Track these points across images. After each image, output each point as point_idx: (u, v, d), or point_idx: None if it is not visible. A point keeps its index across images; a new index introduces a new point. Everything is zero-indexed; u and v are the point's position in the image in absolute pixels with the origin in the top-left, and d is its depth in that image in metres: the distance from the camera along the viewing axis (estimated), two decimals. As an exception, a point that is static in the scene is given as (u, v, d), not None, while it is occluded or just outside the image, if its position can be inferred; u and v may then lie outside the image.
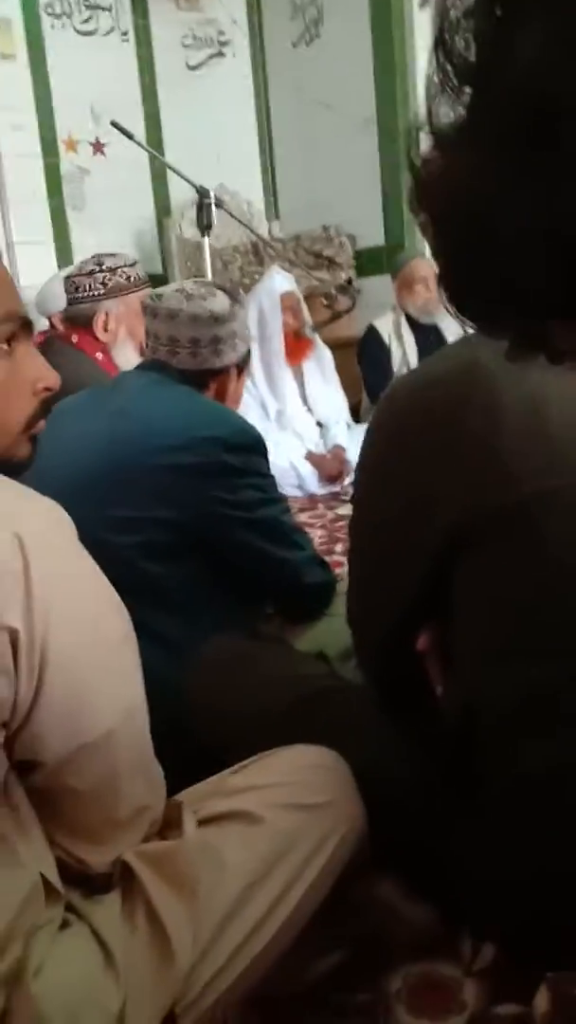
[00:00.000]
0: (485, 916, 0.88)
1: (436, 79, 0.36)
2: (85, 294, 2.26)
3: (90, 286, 2.26)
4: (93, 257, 2.33)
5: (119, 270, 2.26)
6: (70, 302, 2.31)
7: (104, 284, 2.25)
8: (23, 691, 0.66)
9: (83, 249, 4.53)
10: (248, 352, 1.47)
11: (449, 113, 0.37)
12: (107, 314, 2.26)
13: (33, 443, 0.85)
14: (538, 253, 0.37)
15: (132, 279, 2.28)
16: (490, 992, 0.88)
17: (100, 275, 2.25)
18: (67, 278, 2.32)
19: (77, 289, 2.27)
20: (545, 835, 0.80)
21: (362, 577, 0.98)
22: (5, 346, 0.79)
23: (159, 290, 1.44)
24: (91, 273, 2.26)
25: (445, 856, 0.87)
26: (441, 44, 0.36)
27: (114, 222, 4.88)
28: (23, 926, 0.69)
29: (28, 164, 3.97)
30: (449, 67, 0.36)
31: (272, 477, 1.42)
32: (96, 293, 2.26)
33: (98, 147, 4.79)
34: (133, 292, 2.24)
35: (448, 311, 0.46)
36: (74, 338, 2.29)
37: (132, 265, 2.31)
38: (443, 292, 0.45)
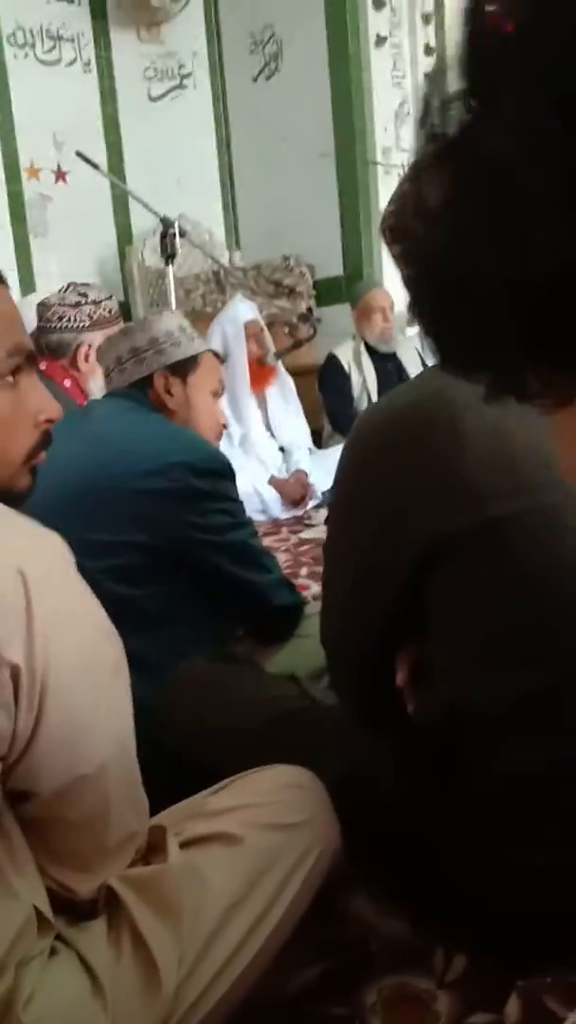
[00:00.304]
0: (463, 921, 0.91)
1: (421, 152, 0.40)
2: (69, 324, 2.29)
3: (75, 317, 2.28)
4: (71, 287, 2.35)
5: (103, 303, 2.30)
6: (46, 330, 2.32)
7: (90, 316, 2.28)
8: (22, 725, 0.66)
9: (45, 275, 4.55)
10: (191, 357, 1.50)
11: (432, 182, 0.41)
12: (89, 345, 2.29)
13: (33, 474, 0.86)
14: (502, 306, 0.40)
15: (112, 312, 2.34)
16: (463, 1002, 0.90)
17: (87, 307, 2.29)
18: (47, 307, 2.33)
19: (61, 319, 2.29)
20: (528, 837, 0.84)
21: (338, 599, 1.02)
22: (11, 379, 0.81)
23: None
24: (77, 305, 2.29)
25: (424, 857, 0.90)
26: (423, 126, 0.40)
27: (76, 249, 4.91)
28: (15, 957, 0.69)
29: (-9, 190, 3.99)
30: (431, 147, 0.40)
31: (240, 502, 1.45)
32: (82, 325, 2.29)
33: (60, 175, 4.82)
34: (114, 325, 2.28)
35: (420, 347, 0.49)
36: (42, 365, 2.30)
37: (110, 298, 2.36)
38: (422, 336, 0.49)
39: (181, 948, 0.75)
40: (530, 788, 0.85)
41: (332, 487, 1.04)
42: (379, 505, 0.91)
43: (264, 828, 0.86)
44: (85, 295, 2.30)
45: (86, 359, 2.30)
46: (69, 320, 2.29)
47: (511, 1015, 0.88)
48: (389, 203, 0.93)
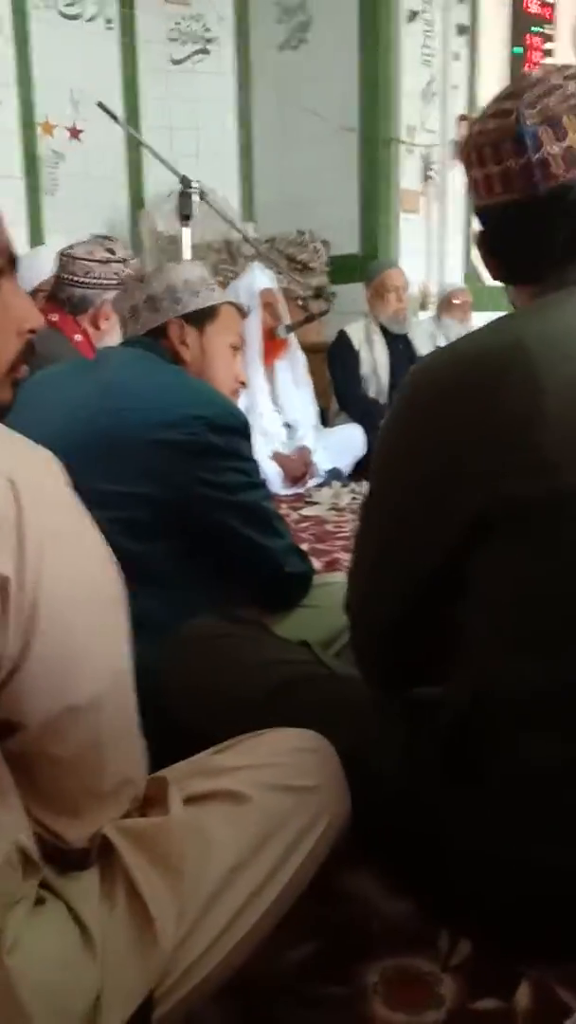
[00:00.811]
0: (469, 904, 0.85)
1: None
2: (95, 280, 2.20)
3: (102, 274, 2.20)
4: (98, 240, 2.27)
5: (128, 262, 2.22)
6: (69, 283, 2.23)
7: (117, 275, 2.20)
8: (11, 645, 0.62)
9: (53, 233, 4.47)
10: (209, 307, 1.43)
11: None
12: (111, 304, 2.22)
13: (14, 388, 0.81)
14: None
15: (136, 272, 2.25)
16: (468, 987, 0.86)
17: (115, 264, 2.20)
18: (72, 258, 2.23)
19: (87, 274, 2.20)
20: (544, 828, 0.78)
21: (369, 560, 0.94)
22: None
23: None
24: (106, 261, 2.20)
25: (432, 844, 0.85)
26: None
27: (87, 209, 4.82)
28: (-2, 896, 0.64)
29: (5, 141, 3.91)
30: None
31: (255, 462, 1.39)
32: (108, 282, 2.21)
33: (74, 133, 4.74)
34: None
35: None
36: (54, 317, 2.23)
37: (134, 258, 2.28)
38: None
39: (180, 906, 0.70)
40: (547, 782, 0.80)
41: (379, 436, 0.96)
42: (432, 458, 0.82)
43: (273, 789, 0.81)
44: (112, 251, 2.22)
45: (106, 318, 2.23)
46: (96, 276, 2.21)
47: (521, 1002, 0.84)
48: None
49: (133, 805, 0.76)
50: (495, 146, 0.86)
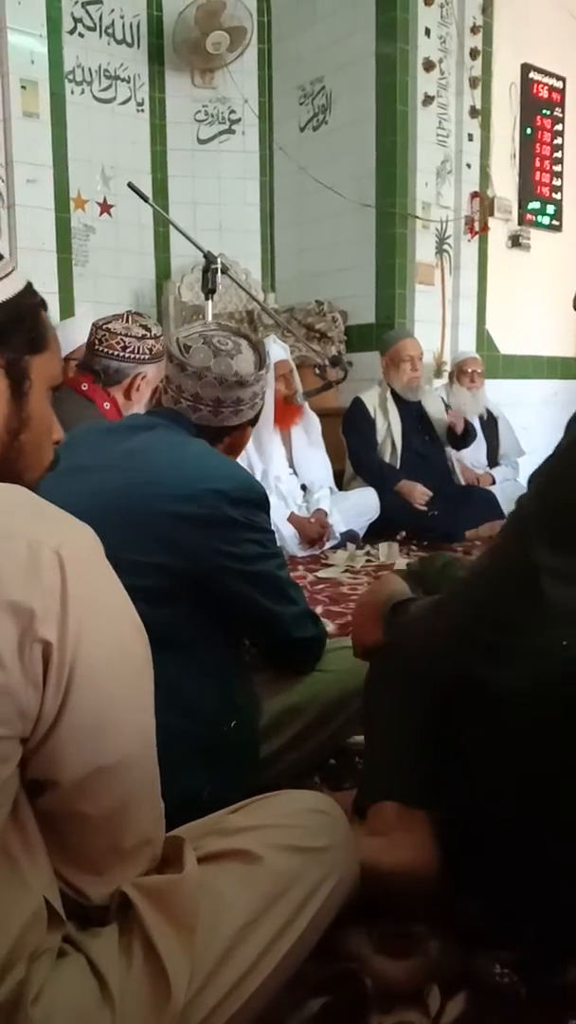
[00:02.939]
0: None
1: None
2: (132, 355, 2.33)
3: (139, 348, 2.33)
4: (133, 318, 2.38)
5: (160, 337, 2.35)
6: (105, 355, 2.34)
7: (150, 350, 2.34)
8: (48, 706, 0.66)
9: (82, 303, 4.63)
10: (263, 406, 1.51)
11: None
12: (143, 377, 2.34)
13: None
14: None
15: (164, 346, 2.39)
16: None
17: (149, 340, 2.34)
18: (111, 333, 2.35)
19: (125, 348, 2.33)
20: None
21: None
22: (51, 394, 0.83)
23: (185, 338, 1.44)
24: (142, 337, 2.34)
25: None
26: None
27: (115, 279, 5.01)
28: (26, 949, 0.68)
29: (40, 216, 4.09)
30: None
31: (272, 532, 1.43)
32: (143, 357, 2.34)
33: (105, 207, 4.94)
34: (163, 358, 2.35)
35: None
36: (84, 386, 2.34)
37: (162, 333, 2.42)
38: None
39: (193, 962, 0.73)
40: None
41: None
42: None
43: (284, 849, 0.85)
44: (148, 328, 2.36)
45: (138, 389, 2.35)
46: (134, 351, 2.33)
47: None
48: None
49: (152, 865, 0.79)
50: None
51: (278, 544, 3.54)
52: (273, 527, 3.66)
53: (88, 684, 0.68)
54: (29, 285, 0.83)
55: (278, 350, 3.76)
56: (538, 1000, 0.96)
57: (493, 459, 4.61)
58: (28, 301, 0.81)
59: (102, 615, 0.70)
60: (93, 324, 2.39)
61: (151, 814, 0.78)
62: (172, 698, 1.18)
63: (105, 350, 2.33)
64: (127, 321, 2.35)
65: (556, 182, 5.32)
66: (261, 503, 1.37)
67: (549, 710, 0.86)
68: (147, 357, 2.33)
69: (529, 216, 5.20)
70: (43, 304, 0.85)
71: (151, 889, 0.76)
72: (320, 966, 0.99)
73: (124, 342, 2.32)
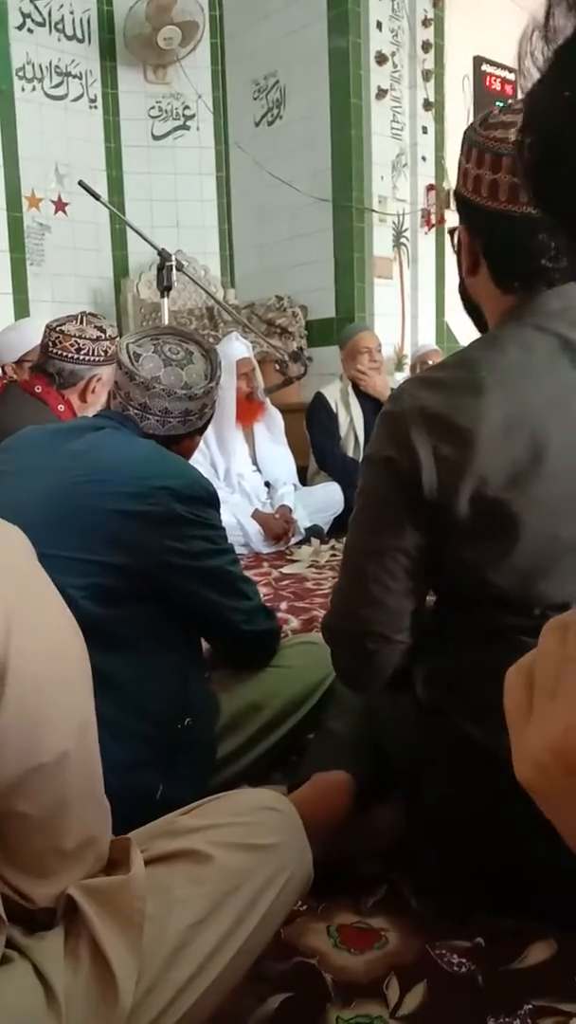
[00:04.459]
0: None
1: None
2: (86, 357, 2.30)
3: (94, 351, 2.30)
4: (86, 319, 2.34)
5: (115, 339, 2.32)
6: (59, 358, 2.31)
7: (105, 352, 2.30)
8: None
9: (38, 303, 4.58)
10: (212, 414, 1.49)
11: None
12: (99, 379, 2.31)
13: None
14: None
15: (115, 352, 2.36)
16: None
17: (104, 343, 2.30)
18: (65, 335, 2.31)
19: (79, 351, 2.29)
20: None
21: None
22: None
23: (136, 344, 1.42)
24: (96, 339, 2.30)
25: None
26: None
27: (72, 278, 4.96)
28: (-35, 956, 0.67)
29: (-8, 216, 4.04)
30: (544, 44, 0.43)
31: (223, 529, 1.42)
32: (98, 359, 2.31)
33: (60, 206, 4.89)
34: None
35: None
36: (38, 388, 2.30)
37: (118, 334, 2.39)
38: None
39: (141, 963, 0.72)
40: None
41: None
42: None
43: (234, 847, 0.84)
44: (103, 330, 2.32)
45: (93, 391, 2.32)
46: (88, 353, 2.30)
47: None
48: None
49: (97, 866, 0.78)
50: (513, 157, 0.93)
51: (242, 541, 3.55)
52: (237, 524, 3.68)
53: (21, 682, 0.66)
54: None
55: (240, 347, 3.74)
56: (495, 987, 0.97)
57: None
58: None
59: (33, 616, 0.69)
60: (47, 326, 2.35)
61: (94, 813, 0.77)
62: (123, 697, 1.18)
63: (59, 352, 2.30)
64: (81, 323, 2.32)
65: (511, 174, 5.36)
66: (210, 500, 1.37)
67: None
68: (102, 359, 2.30)
69: (485, 208, 5.23)
70: None
71: (97, 890, 0.75)
72: (279, 962, 0.99)
73: (78, 344, 2.29)
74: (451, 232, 1.13)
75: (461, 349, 1.05)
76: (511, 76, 5.29)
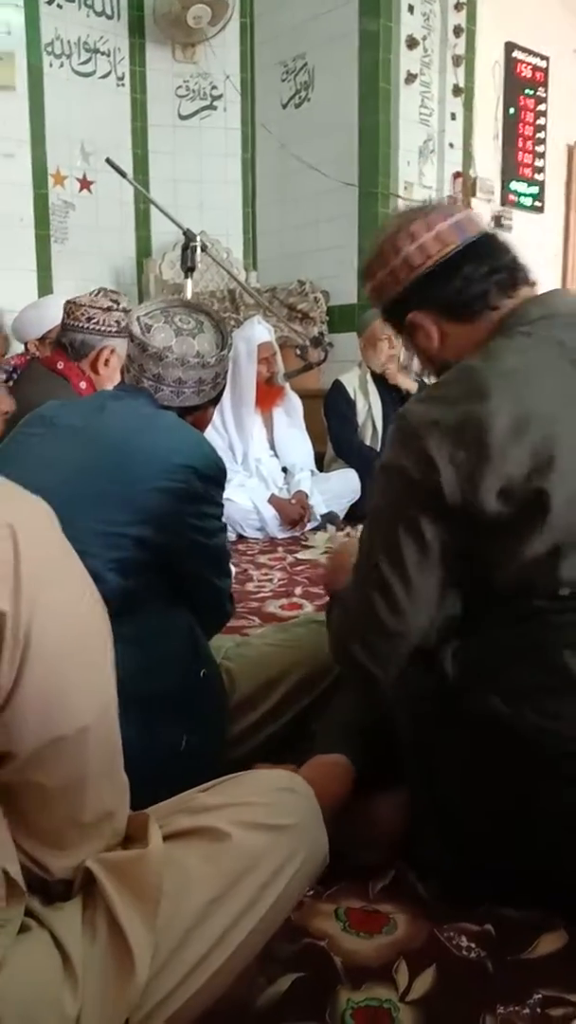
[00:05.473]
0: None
1: None
2: (96, 327, 2.29)
3: (104, 321, 2.29)
4: (102, 291, 2.35)
5: (129, 311, 2.31)
6: (72, 328, 2.32)
7: (118, 323, 2.29)
8: (4, 676, 0.65)
9: (62, 280, 4.58)
10: (225, 385, 1.50)
11: None
12: (112, 351, 2.30)
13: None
14: None
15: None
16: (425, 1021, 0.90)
17: (116, 313, 2.30)
18: (77, 305, 2.32)
19: (89, 320, 2.29)
20: None
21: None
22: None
23: (147, 316, 1.42)
24: (108, 309, 2.30)
25: None
26: None
27: (95, 257, 4.95)
28: (-17, 922, 0.68)
29: (18, 192, 4.03)
30: None
31: (223, 505, 1.46)
32: (109, 330, 2.30)
33: (85, 184, 4.88)
34: None
35: None
36: (59, 364, 2.31)
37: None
38: None
39: (157, 937, 0.73)
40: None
41: None
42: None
43: (251, 827, 0.85)
44: (116, 301, 2.31)
45: (106, 363, 2.31)
46: (98, 323, 2.29)
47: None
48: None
49: (115, 840, 0.79)
50: None
51: (258, 525, 3.58)
52: (254, 508, 3.71)
53: (44, 654, 0.67)
54: None
55: (262, 331, 3.73)
56: (505, 974, 0.97)
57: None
58: None
59: (57, 587, 0.69)
60: (66, 301, 2.36)
61: (112, 787, 0.77)
62: (147, 656, 1.21)
63: (72, 323, 2.31)
64: (96, 295, 2.32)
65: (539, 163, 5.31)
66: (222, 478, 1.41)
67: None
68: (114, 330, 2.29)
69: (511, 197, 5.18)
70: None
71: (115, 864, 0.76)
72: (289, 943, 1.00)
73: (89, 313, 2.29)
74: (406, 341, 1.23)
75: (457, 365, 1.09)
76: (542, 64, 5.22)
